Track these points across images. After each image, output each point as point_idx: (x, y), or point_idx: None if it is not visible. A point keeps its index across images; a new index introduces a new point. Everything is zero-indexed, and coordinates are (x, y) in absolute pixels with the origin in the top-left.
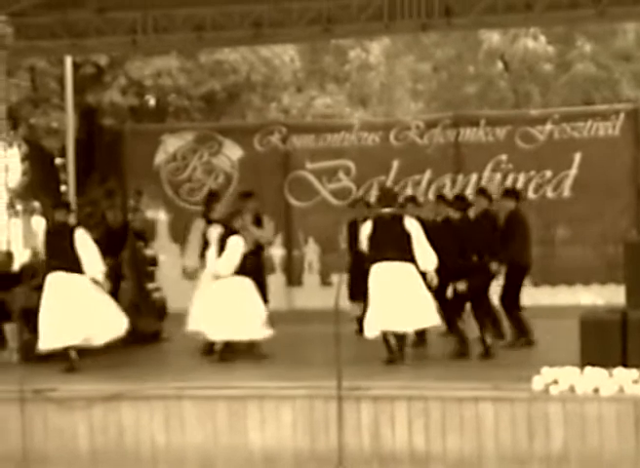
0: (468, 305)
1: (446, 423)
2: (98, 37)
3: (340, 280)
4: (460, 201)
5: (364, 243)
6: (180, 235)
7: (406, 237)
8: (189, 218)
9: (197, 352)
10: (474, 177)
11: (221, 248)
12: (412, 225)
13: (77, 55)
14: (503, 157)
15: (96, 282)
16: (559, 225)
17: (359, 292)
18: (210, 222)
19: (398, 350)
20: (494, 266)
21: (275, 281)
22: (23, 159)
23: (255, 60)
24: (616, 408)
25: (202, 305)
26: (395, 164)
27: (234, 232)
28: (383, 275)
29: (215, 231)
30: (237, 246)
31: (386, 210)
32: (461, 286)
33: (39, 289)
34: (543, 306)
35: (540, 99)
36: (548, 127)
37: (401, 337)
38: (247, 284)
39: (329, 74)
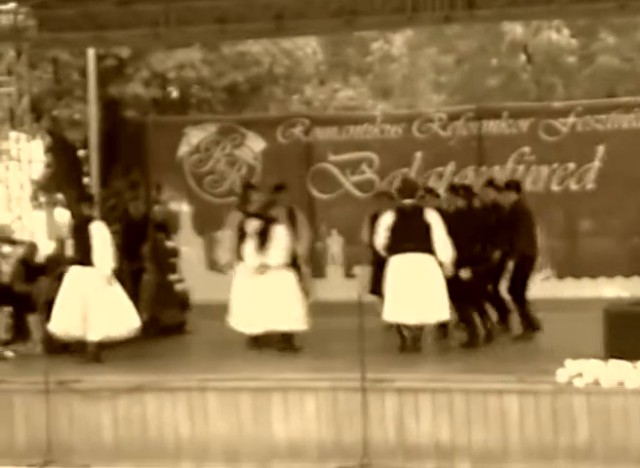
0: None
1: (470, 416)
2: (120, 29)
3: (364, 272)
4: (465, 191)
5: (381, 234)
6: (202, 227)
7: (426, 228)
8: (212, 210)
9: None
10: (497, 170)
11: (261, 240)
12: (432, 217)
13: (100, 47)
14: (526, 149)
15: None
16: (582, 218)
17: (380, 286)
18: (246, 215)
19: (413, 340)
20: (496, 255)
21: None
22: (47, 151)
23: (277, 52)
24: None
25: (245, 300)
26: (418, 156)
27: (274, 221)
28: (402, 266)
29: (253, 224)
30: (284, 235)
31: (407, 201)
32: (465, 273)
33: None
34: (567, 299)
35: (564, 92)
36: (571, 119)
37: (419, 328)
38: (289, 276)
39: (351, 66)
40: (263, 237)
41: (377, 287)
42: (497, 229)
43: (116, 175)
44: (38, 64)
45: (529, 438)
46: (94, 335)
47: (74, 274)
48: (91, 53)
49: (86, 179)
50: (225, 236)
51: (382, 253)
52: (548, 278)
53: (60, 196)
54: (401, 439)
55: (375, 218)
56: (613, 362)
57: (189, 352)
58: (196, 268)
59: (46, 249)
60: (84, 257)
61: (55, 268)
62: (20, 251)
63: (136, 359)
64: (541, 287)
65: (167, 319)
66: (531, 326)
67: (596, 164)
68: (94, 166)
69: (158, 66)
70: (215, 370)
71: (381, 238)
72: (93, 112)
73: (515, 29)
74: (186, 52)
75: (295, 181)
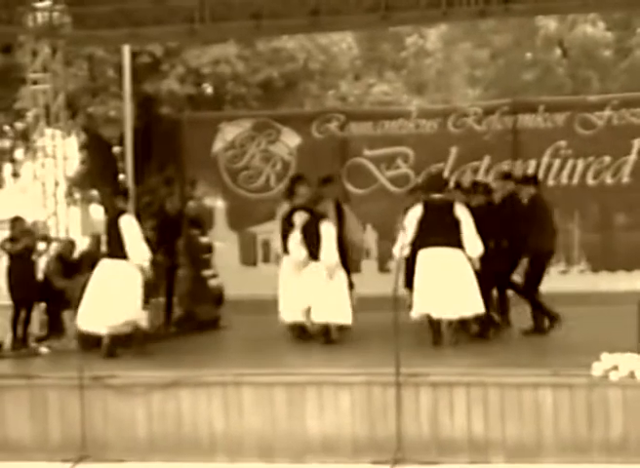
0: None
1: (505, 410)
2: (156, 26)
3: (399, 266)
4: (482, 187)
5: (411, 225)
6: (237, 222)
7: (455, 223)
8: (247, 206)
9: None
10: (533, 164)
11: (305, 234)
12: (462, 212)
13: (135, 44)
14: (562, 143)
15: (142, 269)
16: (618, 211)
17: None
18: (293, 207)
19: (445, 334)
20: (504, 250)
21: None
22: (82, 148)
23: (312, 48)
24: None
25: (295, 292)
26: (453, 151)
27: (323, 218)
28: (431, 260)
29: (300, 216)
30: (331, 232)
31: (437, 195)
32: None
33: None
34: (602, 292)
35: (599, 85)
36: (607, 112)
37: (450, 322)
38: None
39: (386, 61)
40: (311, 232)
41: (411, 281)
42: (514, 223)
43: (151, 171)
44: (73, 61)
45: (563, 432)
46: (106, 328)
47: (103, 267)
48: (126, 49)
49: (121, 176)
50: (277, 226)
51: (408, 246)
52: (583, 271)
53: (94, 193)
54: (435, 433)
55: None
56: None
57: (224, 347)
58: (230, 263)
59: (80, 245)
60: (115, 250)
61: (89, 264)
62: (53, 247)
63: (170, 354)
64: (577, 280)
65: (202, 314)
66: (550, 319)
67: (632, 157)
68: (128, 162)
69: (193, 62)
70: (249, 365)
71: (409, 232)
72: (128, 109)
73: (550, 23)
74: (221, 48)
75: None
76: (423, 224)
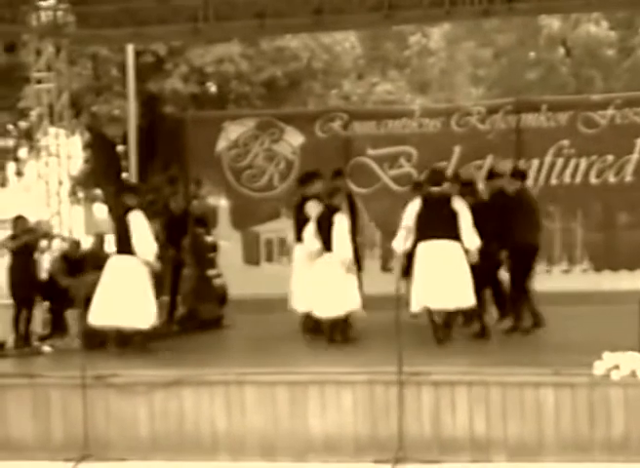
0: None
1: (507, 409)
2: (160, 25)
3: (401, 265)
4: (469, 186)
5: (409, 218)
6: (240, 221)
7: (453, 216)
8: (250, 205)
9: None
10: (536, 163)
11: (320, 226)
12: (459, 205)
13: (139, 43)
14: (565, 142)
15: (147, 263)
16: (621, 210)
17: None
18: (303, 198)
19: (444, 327)
20: (493, 248)
21: None
22: (85, 147)
23: (316, 47)
24: None
25: (308, 284)
26: (457, 150)
27: (337, 210)
28: (429, 253)
29: (314, 208)
30: (345, 227)
31: (435, 189)
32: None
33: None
34: (605, 291)
35: (602, 85)
36: (610, 112)
37: (449, 316)
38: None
39: (390, 60)
40: (325, 223)
41: (408, 271)
42: (500, 218)
43: (155, 170)
44: (77, 60)
45: (565, 430)
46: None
47: (113, 263)
48: (130, 48)
49: (124, 175)
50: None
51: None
52: (586, 270)
53: (98, 191)
54: (437, 432)
55: None
56: None
57: (226, 346)
58: (233, 262)
59: (84, 244)
60: (123, 246)
61: (92, 263)
62: (56, 245)
63: (173, 353)
64: (579, 279)
65: (205, 313)
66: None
67: (635, 156)
68: (132, 161)
69: (197, 61)
70: (252, 365)
71: (408, 223)
72: (132, 108)
73: (553, 23)
74: (225, 47)
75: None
76: (422, 217)
